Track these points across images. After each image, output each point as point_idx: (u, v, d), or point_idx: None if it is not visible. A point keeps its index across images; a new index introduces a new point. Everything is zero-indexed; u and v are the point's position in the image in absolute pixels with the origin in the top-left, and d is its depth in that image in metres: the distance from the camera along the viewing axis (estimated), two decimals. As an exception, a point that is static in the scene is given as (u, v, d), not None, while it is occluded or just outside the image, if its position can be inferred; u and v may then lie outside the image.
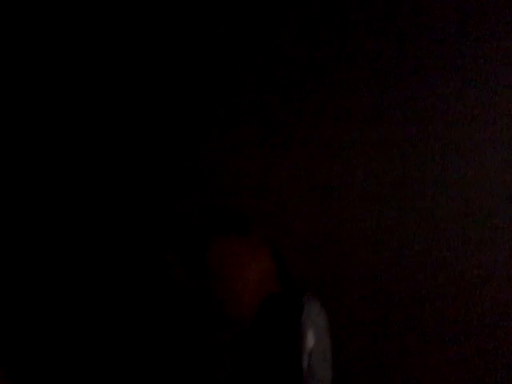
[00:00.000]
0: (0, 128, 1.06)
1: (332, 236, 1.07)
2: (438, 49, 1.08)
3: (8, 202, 1.02)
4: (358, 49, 1.09)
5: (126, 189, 1.02)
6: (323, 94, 1.08)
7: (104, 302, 0.87)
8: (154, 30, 1.09)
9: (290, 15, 1.09)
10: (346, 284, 1.06)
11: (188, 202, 1.03)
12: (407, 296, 1.08)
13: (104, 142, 1.07)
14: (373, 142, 1.09)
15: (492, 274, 1.07)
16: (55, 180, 1.04)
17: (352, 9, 1.09)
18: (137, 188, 1.02)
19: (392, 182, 1.08)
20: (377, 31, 1.09)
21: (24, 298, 0.92)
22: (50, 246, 0.97)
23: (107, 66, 1.08)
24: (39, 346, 0.88)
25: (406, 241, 1.08)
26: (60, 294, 0.91)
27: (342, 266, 1.07)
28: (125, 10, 1.08)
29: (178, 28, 1.08)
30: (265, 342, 0.76)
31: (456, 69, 1.08)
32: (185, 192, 1.04)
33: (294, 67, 1.09)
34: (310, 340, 0.76)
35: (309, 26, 1.09)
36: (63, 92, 1.07)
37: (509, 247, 1.06)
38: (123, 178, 1.03)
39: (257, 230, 0.85)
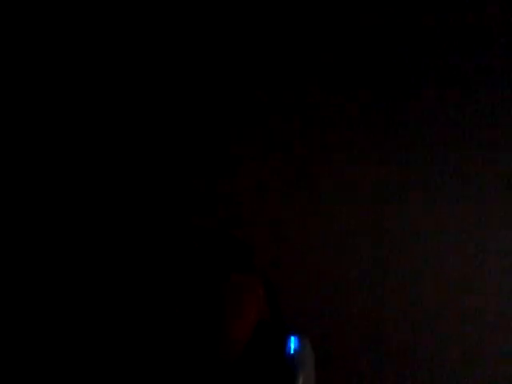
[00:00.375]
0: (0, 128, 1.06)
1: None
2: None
3: (8, 202, 1.02)
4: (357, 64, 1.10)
5: (129, 204, 1.02)
6: (327, 111, 1.10)
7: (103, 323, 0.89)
8: (165, 43, 1.08)
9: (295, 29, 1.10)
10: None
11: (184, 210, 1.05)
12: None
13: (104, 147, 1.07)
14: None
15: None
16: (59, 184, 1.04)
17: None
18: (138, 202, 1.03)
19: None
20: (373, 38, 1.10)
21: (23, 298, 0.92)
22: (49, 246, 0.97)
23: (112, 75, 1.08)
24: (37, 346, 0.89)
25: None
26: (57, 297, 0.91)
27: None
28: (131, 15, 1.08)
29: (188, 44, 1.08)
30: (257, 377, 0.79)
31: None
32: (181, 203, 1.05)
33: (298, 83, 1.10)
34: (301, 380, 0.80)
35: (310, 36, 1.10)
36: (65, 96, 1.07)
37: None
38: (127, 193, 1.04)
39: (256, 260, 0.88)
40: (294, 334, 0.82)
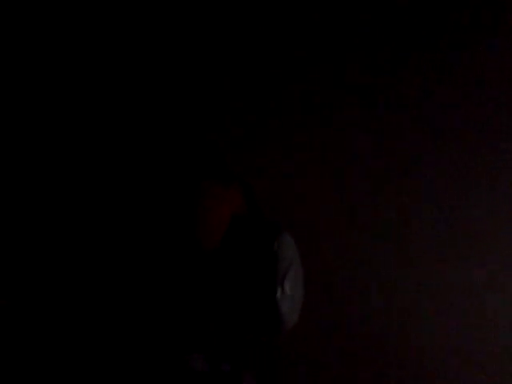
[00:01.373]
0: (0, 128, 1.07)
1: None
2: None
3: (8, 202, 1.02)
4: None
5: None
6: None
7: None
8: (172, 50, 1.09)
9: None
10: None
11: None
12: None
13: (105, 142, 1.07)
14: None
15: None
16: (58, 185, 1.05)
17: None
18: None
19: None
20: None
21: (25, 298, 0.92)
22: (50, 245, 0.97)
23: (115, 80, 1.08)
24: (39, 345, 0.89)
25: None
26: (60, 294, 0.92)
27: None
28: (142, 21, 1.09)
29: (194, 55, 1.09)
30: (239, 262, 0.82)
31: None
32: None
33: (309, 83, 1.11)
34: (284, 264, 0.83)
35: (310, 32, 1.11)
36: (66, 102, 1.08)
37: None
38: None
39: (235, 176, 0.91)
40: (275, 229, 0.84)
